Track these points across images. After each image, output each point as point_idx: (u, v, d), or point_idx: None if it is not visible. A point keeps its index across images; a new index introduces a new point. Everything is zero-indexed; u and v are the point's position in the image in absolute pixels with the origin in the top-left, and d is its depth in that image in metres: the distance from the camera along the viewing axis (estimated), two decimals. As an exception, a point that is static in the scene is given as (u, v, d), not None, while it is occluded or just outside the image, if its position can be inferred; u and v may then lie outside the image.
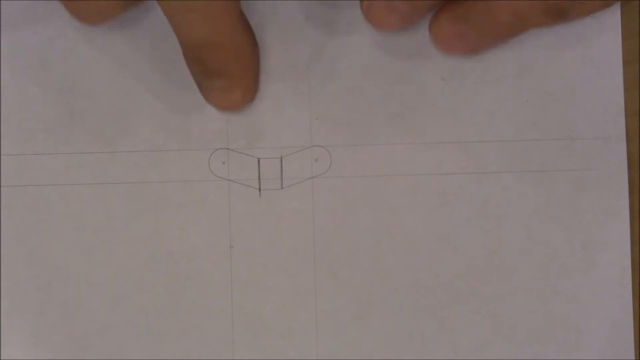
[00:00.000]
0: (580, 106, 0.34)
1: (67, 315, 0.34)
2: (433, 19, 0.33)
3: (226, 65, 0.32)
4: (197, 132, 0.34)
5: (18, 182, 0.34)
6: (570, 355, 0.34)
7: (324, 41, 0.34)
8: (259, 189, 0.34)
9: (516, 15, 0.32)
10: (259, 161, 0.34)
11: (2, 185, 0.34)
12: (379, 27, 0.33)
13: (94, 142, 0.34)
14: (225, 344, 0.34)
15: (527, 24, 0.33)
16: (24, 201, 0.34)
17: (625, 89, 0.34)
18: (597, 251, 0.34)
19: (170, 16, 0.31)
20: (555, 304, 0.34)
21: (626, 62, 0.34)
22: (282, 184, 0.34)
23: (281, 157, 0.34)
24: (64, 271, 0.34)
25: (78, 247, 0.34)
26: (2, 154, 0.34)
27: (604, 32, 0.34)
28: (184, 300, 0.34)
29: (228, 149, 0.34)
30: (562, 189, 0.34)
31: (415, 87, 0.34)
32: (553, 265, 0.34)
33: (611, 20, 0.34)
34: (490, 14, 0.32)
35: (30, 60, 0.34)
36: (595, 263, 0.34)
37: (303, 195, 0.34)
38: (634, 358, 0.34)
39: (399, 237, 0.34)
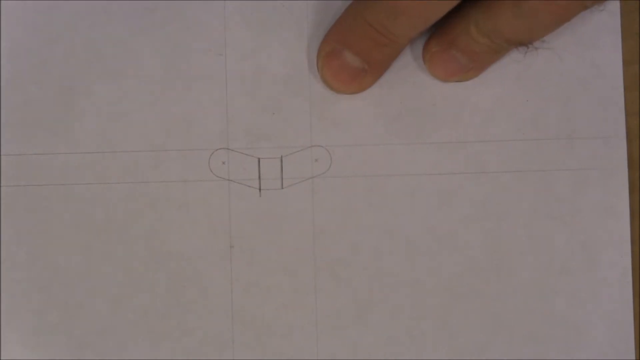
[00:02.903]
0: (580, 106, 0.34)
1: (67, 315, 0.34)
2: (424, 47, 0.34)
3: None
4: (197, 132, 0.34)
5: (18, 182, 0.34)
6: (570, 355, 0.34)
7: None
8: (259, 189, 0.34)
9: (489, 37, 0.32)
10: (259, 161, 0.34)
11: (2, 185, 0.34)
12: (340, 87, 0.34)
13: (94, 142, 0.34)
14: (225, 344, 0.34)
15: (502, 48, 0.33)
16: (24, 201, 0.34)
17: (625, 89, 0.34)
18: (597, 251, 0.34)
19: None
20: (555, 304, 0.34)
21: (626, 62, 0.34)
22: (282, 184, 0.34)
23: (281, 157, 0.34)
24: (64, 271, 0.34)
25: (78, 247, 0.34)
26: (2, 154, 0.34)
27: (604, 32, 0.34)
28: (184, 300, 0.34)
29: (228, 149, 0.34)
30: (562, 189, 0.34)
31: (415, 87, 0.34)
32: (553, 265, 0.34)
33: (611, 20, 0.34)
34: (470, 35, 0.32)
35: (30, 60, 0.34)
36: (595, 263, 0.34)
37: (303, 195, 0.34)
38: (634, 358, 0.34)
39: (399, 237, 0.34)
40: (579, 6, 0.31)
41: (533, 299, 0.34)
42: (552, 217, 0.34)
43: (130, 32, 0.34)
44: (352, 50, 0.33)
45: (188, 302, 0.34)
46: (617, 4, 0.34)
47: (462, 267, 0.34)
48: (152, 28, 0.34)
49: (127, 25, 0.34)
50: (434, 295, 0.34)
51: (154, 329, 0.34)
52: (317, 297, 0.34)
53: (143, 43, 0.34)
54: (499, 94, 0.34)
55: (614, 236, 0.34)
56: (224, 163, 0.34)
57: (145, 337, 0.34)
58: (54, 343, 0.34)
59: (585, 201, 0.34)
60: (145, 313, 0.34)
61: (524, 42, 0.33)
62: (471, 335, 0.34)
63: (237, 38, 0.34)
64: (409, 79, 0.34)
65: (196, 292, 0.34)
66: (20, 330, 0.34)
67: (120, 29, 0.34)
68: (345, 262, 0.34)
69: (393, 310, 0.34)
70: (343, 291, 0.34)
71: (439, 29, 0.33)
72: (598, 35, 0.34)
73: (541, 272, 0.34)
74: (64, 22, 0.34)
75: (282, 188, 0.34)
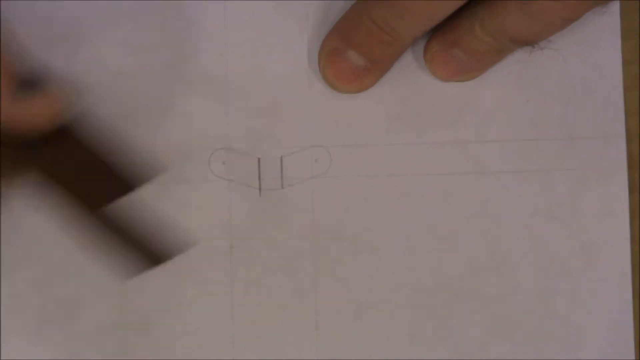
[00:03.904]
0: (580, 106, 0.34)
1: (67, 315, 0.34)
2: (425, 47, 0.34)
3: None
4: (197, 132, 0.34)
5: (18, 182, 0.34)
6: (570, 355, 0.34)
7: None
8: (259, 189, 0.34)
9: (494, 37, 0.32)
10: (259, 161, 0.34)
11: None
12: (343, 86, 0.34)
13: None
14: (225, 344, 0.34)
15: (506, 48, 0.33)
16: (24, 201, 0.34)
17: (625, 89, 0.34)
18: (597, 251, 0.34)
19: None
20: (555, 304, 0.34)
21: (626, 62, 0.34)
22: (282, 184, 0.34)
23: (281, 157, 0.34)
24: (64, 271, 0.34)
25: (78, 247, 0.34)
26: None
27: (604, 32, 0.34)
28: (184, 300, 0.34)
29: (228, 149, 0.34)
30: (562, 189, 0.34)
31: (415, 87, 0.34)
32: (553, 265, 0.34)
33: (611, 20, 0.34)
34: (474, 35, 0.32)
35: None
36: (595, 263, 0.34)
37: (303, 195, 0.34)
38: (634, 358, 0.34)
39: (399, 237, 0.34)
40: (587, 6, 0.31)
41: (533, 299, 0.34)
42: (552, 217, 0.34)
43: (131, 32, 0.34)
44: (356, 49, 0.33)
45: (188, 302, 0.34)
46: (617, 4, 0.34)
47: (462, 267, 0.34)
48: (152, 28, 0.34)
49: (128, 25, 0.34)
50: (434, 295, 0.34)
51: (154, 329, 0.34)
52: (317, 297, 0.34)
53: (143, 43, 0.34)
54: (499, 94, 0.34)
55: (614, 236, 0.34)
56: (224, 163, 0.34)
57: (145, 337, 0.34)
58: (54, 343, 0.34)
59: (585, 201, 0.34)
60: (145, 313, 0.34)
61: (529, 41, 0.33)
62: (471, 335, 0.34)
63: (237, 38, 0.34)
64: (409, 79, 0.34)
65: (196, 292, 0.34)
66: (20, 330, 0.34)
67: (121, 29, 0.34)
68: (345, 262, 0.34)
69: (393, 310, 0.34)
70: (343, 291, 0.34)
71: (441, 28, 0.33)
72: (598, 35, 0.34)
73: (541, 272, 0.34)
74: (64, 22, 0.34)
75: (282, 188, 0.34)
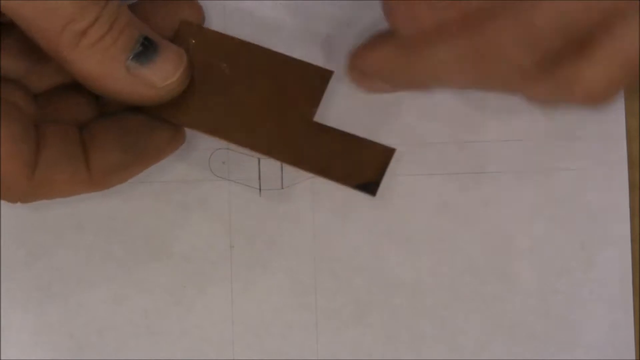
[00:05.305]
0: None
1: (67, 315, 0.34)
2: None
3: None
4: (197, 132, 0.34)
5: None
6: (570, 355, 0.34)
7: (324, 41, 0.34)
8: (259, 189, 0.34)
9: None
10: (259, 161, 0.34)
11: (2, 185, 0.34)
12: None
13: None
14: (225, 344, 0.34)
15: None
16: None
17: (625, 89, 0.34)
18: (597, 251, 0.34)
19: None
20: (555, 304, 0.34)
21: (626, 62, 0.34)
22: (282, 184, 0.34)
23: (281, 157, 0.34)
24: (64, 271, 0.34)
25: (78, 247, 0.34)
26: (2, 154, 0.34)
27: (604, 32, 0.34)
28: (184, 300, 0.34)
29: (228, 149, 0.34)
30: (562, 189, 0.34)
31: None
32: (553, 265, 0.34)
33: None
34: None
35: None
36: (595, 263, 0.34)
37: (303, 195, 0.34)
38: (634, 358, 0.34)
39: (399, 237, 0.34)
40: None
41: (533, 298, 0.34)
42: (552, 217, 0.34)
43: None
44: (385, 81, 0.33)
45: (188, 302, 0.34)
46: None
47: (462, 267, 0.34)
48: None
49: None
50: (434, 295, 0.34)
51: (154, 329, 0.34)
52: (317, 297, 0.34)
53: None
54: (499, 94, 0.34)
55: (614, 235, 0.34)
56: (224, 163, 0.34)
57: (145, 337, 0.34)
58: (54, 343, 0.34)
59: (585, 201, 0.34)
60: (145, 313, 0.34)
61: None
62: (471, 335, 0.34)
63: (237, 38, 0.34)
64: (409, 79, 0.34)
65: (196, 292, 0.34)
66: (20, 330, 0.34)
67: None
68: (345, 262, 0.34)
69: (393, 310, 0.34)
70: (343, 291, 0.34)
71: None
72: (598, 35, 0.34)
73: (541, 272, 0.34)
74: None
75: (282, 188, 0.34)
